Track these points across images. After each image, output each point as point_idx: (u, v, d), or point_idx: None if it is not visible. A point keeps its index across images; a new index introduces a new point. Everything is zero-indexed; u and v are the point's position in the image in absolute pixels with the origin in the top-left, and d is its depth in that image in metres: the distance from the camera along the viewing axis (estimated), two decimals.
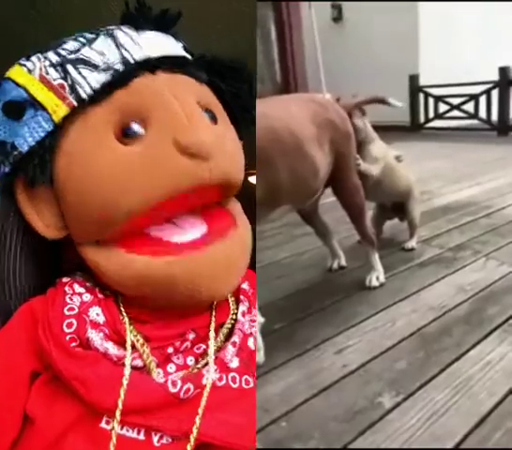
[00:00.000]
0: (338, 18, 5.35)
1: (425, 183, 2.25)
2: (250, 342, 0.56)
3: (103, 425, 0.47)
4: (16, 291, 0.57)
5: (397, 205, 1.41)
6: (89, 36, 0.53)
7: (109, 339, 0.50)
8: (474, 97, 4.17)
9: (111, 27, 0.54)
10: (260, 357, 0.85)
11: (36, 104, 0.49)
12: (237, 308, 0.58)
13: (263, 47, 3.34)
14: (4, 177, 0.53)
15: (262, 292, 1.11)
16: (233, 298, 0.61)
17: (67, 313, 0.51)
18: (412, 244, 1.38)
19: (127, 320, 0.53)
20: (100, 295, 0.55)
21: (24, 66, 0.52)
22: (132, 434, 0.47)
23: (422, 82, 4.55)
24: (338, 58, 4.74)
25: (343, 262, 1.27)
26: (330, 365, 0.84)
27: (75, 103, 0.49)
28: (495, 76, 4.02)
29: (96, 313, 0.52)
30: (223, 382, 0.51)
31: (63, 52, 0.51)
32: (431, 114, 4.55)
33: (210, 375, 0.49)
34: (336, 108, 1.05)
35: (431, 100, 4.52)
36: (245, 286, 0.61)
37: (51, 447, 0.46)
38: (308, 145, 0.92)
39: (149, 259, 0.49)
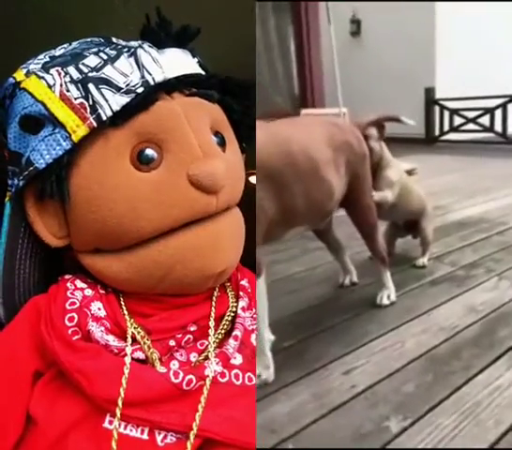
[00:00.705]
0: (356, 32, 5.36)
1: (438, 197, 2.23)
2: (253, 339, 0.56)
3: (106, 424, 0.46)
4: (26, 297, 0.57)
5: (409, 223, 1.39)
6: (111, 52, 0.52)
7: (110, 333, 0.51)
8: (490, 111, 4.12)
9: (132, 44, 0.54)
10: (269, 375, 0.85)
11: (54, 121, 0.49)
12: (237, 303, 0.59)
13: (283, 61, 3.36)
14: (16, 191, 0.53)
15: (272, 307, 1.11)
16: (232, 292, 0.61)
17: (68, 307, 0.51)
18: (423, 261, 1.36)
19: (127, 313, 0.53)
20: (102, 291, 0.55)
21: (43, 79, 0.50)
22: (136, 434, 0.46)
23: (438, 95, 4.52)
24: (356, 72, 4.74)
25: (355, 279, 1.26)
26: (338, 385, 0.83)
27: (95, 124, 0.49)
28: (511, 90, 3.98)
29: (97, 307, 0.53)
30: (226, 378, 0.51)
31: (84, 69, 0.50)
32: (446, 127, 4.51)
33: (212, 365, 0.49)
34: (352, 129, 1.05)
35: (447, 113, 4.48)
36: (244, 283, 0.61)
37: (53, 447, 0.46)
38: (324, 169, 0.92)
39: (147, 253, 0.50)
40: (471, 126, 4.29)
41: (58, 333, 0.49)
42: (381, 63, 4.86)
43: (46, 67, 0.51)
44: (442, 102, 4.49)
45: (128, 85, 0.49)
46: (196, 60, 0.58)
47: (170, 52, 0.54)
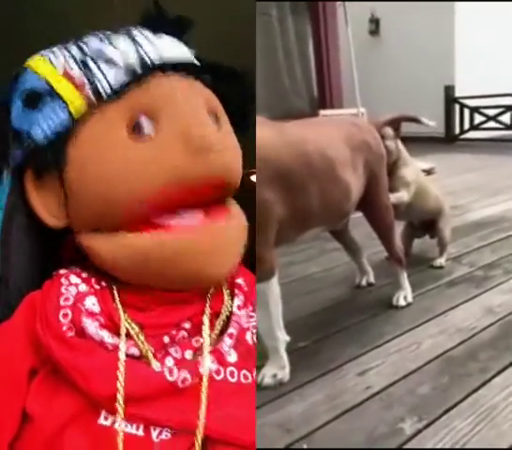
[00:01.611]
0: (375, 31, 5.29)
1: (458, 197, 2.19)
2: (248, 337, 0.55)
3: (102, 420, 0.46)
4: (17, 286, 0.56)
5: (426, 223, 1.37)
6: (109, 34, 0.54)
7: (104, 328, 0.50)
8: (511, 108, 4.01)
9: (129, 27, 0.56)
10: (285, 375, 0.85)
11: (55, 95, 0.50)
12: (232, 301, 0.57)
13: (301, 62, 3.34)
14: (15, 166, 0.53)
15: (288, 308, 1.10)
16: (227, 290, 0.59)
17: (62, 303, 0.50)
18: (441, 261, 1.34)
19: (120, 307, 0.52)
20: (96, 286, 0.54)
21: (47, 56, 0.53)
22: (131, 430, 0.46)
23: (457, 93, 4.43)
24: (375, 71, 4.68)
25: (372, 279, 1.25)
26: (353, 386, 0.82)
27: (93, 99, 0.50)
28: None
29: (91, 303, 0.52)
30: (221, 376, 0.49)
31: (85, 48, 0.52)
32: (466, 126, 4.42)
33: (206, 362, 0.48)
34: (370, 129, 1.03)
35: (467, 112, 4.39)
36: (240, 281, 0.60)
37: (49, 444, 0.45)
38: (340, 168, 0.90)
39: (144, 236, 0.50)
40: (491, 124, 4.19)
41: (53, 330, 0.48)
42: (400, 62, 4.79)
43: (50, 49, 0.54)
44: (461, 100, 4.39)
45: (125, 63, 0.51)
46: (191, 51, 0.59)
47: (165, 37, 0.56)
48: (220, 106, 0.58)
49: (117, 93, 0.50)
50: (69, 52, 0.52)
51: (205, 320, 0.53)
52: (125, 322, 0.51)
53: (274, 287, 0.81)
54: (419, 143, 4.09)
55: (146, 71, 0.51)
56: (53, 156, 0.50)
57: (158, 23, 0.56)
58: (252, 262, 0.73)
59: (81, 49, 0.53)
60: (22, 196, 0.54)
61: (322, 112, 3.00)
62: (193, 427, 0.46)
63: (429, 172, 3.04)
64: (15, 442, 0.47)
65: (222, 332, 0.54)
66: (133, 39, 0.53)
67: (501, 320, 1.01)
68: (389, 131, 1.18)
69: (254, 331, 0.56)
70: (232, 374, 0.50)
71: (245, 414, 0.49)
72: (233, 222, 0.54)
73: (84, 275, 0.55)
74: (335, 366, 0.88)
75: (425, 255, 1.42)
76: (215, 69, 0.59)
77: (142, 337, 0.50)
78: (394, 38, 4.96)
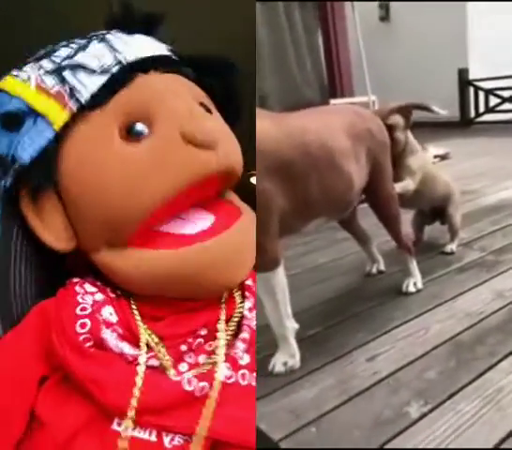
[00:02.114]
0: (385, 17, 5.19)
1: (472, 181, 2.15)
2: None
3: (115, 427, 0.45)
4: (21, 297, 0.54)
5: (436, 209, 1.36)
6: (81, 41, 0.52)
7: (123, 339, 0.49)
8: None
9: (100, 32, 0.54)
10: (295, 362, 0.86)
11: (34, 113, 0.48)
12: (243, 304, 0.57)
13: (310, 51, 3.30)
14: (5, 192, 0.51)
15: (300, 297, 1.12)
16: (238, 292, 0.58)
17: (79, 313, 0.49)
18: (452, 247, 1.33)
19: (139, 318, 0.51)
20: (112, 295, 0.53)
21: (17, 76, 0.51)
22: (144, 435, 0.45)
23: (471, 76, 4.32)
24: (386, 57, 4.60)
25: (382, 267, 1.25)
26: (361, 371, 0.83)
27: (74, 109, 0.48)
28: None
29: (109, 313, 0.50)
30: (233, 379, 0.49)
31: (57, 60, 0.50)
32: (482, 108, 4.31)
33: (221, 370, 0.48)
34: (373, 117, 1.02)
35: (482, 94, 4.28)
36: (249, 282, 0.59)
37: (61, 449, 0.45)
38: (341, 158, 0.89)
39: (160, 252, 0.48)
40: (507, 105, 4.08)
41: (70, 341, 0.47)
42: (411, 47, 4.70)
43: (20, 67, 0.52)
44: (476, 83, 4.29)
45: (102, 67, 0.49)
46: (167, 47, 0.58)
47: (138, 36, 0.55)
48: (207, 96, 0.56)
49: (101, 98, 0.48)
50: (40, 66, 0.50)
51: (221, 327, 0.52)
52: (145, 333, 0.50)
53: (280, 277, 0.82)
54: (434, 128, 4.03)
55: (126, 73, 0.50)
56: (44, 173, 0.48)
57: (127, 23, 0.54)
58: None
59: (52, 60, 0.50)
60: (17, 223, 0.52)
61: (332, 101, 2.97)
62: (205, 432, 0.45)
63: (443, 157, 2.99)
64: (26, 446, 0.46)
65: (235, 335, 0.54)
66: (106, 43, 0.51)
67: (510, 304, 1.00)
68: (399, 120, 1.15)
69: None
70: (243, 377, 0.50)
71: (251, 416, 0.48)
72: (244, 226, 0.53)
73: (99, 283, 0.54)
74: (344, 352, 0.89)
75: (436, 241, 1.41)
76: (196, 62, 0.57)
77: (163, 350, 0.49)
78: (405, 24, 4.86)
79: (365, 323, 0.99)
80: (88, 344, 0.47)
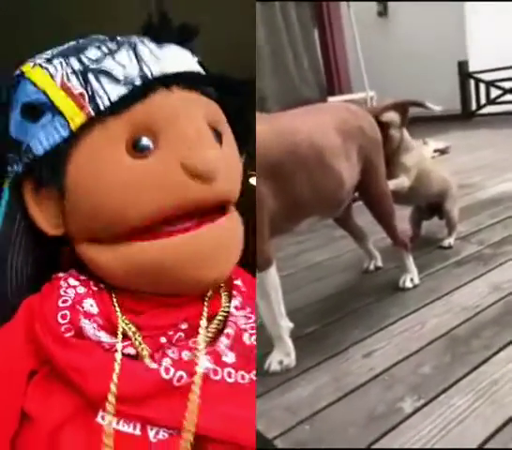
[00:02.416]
0: (383, 12, 5.16)
1: (472, 174, 2.14)
2: (246, 337, 0.55)
3: (99, 419, 0.46)
4: (18, 288, 0.56)
5: (434, 205, 1.35)
6: (111, 46, 0.53)
7: (102, 329, 0.50)
8: None
9: (132, 39, 0.54)
10: (291, 361, 0.87)
11: (54, 109, 0.50)
12: (230, 303, 0.57)
13: (307, 52, 3.29)
14: (15, 176, 0.53)
15: (297, 296, 1.12)
16: (225, 292, 0.59)
17: (61, 305, 0.51)
18: (450, 241, 1.32)
19: (118, 309, 0.52)
20: (94, 288, 0.54)
21: (46, 69, 0.51)
22: (128, 429, 0.46)
23: (471, 68, 4.28)
24: (385, 52, 4.59)
25: (379, 263, 1.25)
26: (357, 368, 0.83)
27: (93, 114, 0.49)
28: None
29: (89, 304, 0.52)
30: (219, 376, 0.49)
31: (85, 61, 0.51)
32: (483, 101, 4.27)
33: (202, 362, 0.48)
34: (365, 114, 1.01)
35: (482, 87, 4.24)
36: (238, 282, 0.60)
37: (47, 442, 0.45)
38: (331, 157, 0.89)
39: (139, 244, 0.50)
40: (508, 97, 4.04)
41: (51, 330, 0.49)
42: (410, 41, 4.67)
43: (49, 59, 0.52)
44: (476, 75, 4.25)
45: (126, 77, 0.50)
46: (196, 60, 0.58)
47: (169, 48, 0.55)
48: (224, 119, 0.57)
49: (118, 107, 0.49)
50: (68, 63, 0.51)
51: (203, 323, 0.53)
52: (122, 323, 0.51)
53: (272, 276, 0.83)
54: (436, 122, 4.00)
55: (148, 87, 0.50)
56: (53, 169, 0.50)
57: (163, 33, 0.54)
58: (252, 261, 0.73)
59: (80, 60, 0.51)
60: (21, 205, 0.55)
61: (330, 98, 2.96)
62: (188, 426, 0.46)
63: (443, 151, 2.97)
64: (15, 441, 0.47)
65: (219, 332, 0.54)
66: (135, 53, 0.52)
67: (507, 296, 1.00)
68: (394, 117, 1.15)
69: (253, 332, 0.55)
70: (229, 375, 0.50)
71: (242, 414, 0.49)
72: (227, 224, 0.54)
73: (82, 277, 0.56)
74: (341, 349, 0.89)
75: (434, 236, 1.40)
76: (218, 81, 0.58)
77: (139, 338, 0.51)
78: (402, 18, 4.83)
79: (362, 320, 0.99)
80: (69, 334, 0.49)
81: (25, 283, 0.57)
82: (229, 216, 0.55)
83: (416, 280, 1.12)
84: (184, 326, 0.53)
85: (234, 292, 0.58)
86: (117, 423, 0.46)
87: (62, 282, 0.54)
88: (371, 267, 1.24)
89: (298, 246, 1.47)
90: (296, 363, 0.86)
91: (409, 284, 1.11)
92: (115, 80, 0.50)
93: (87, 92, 0.49)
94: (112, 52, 0.51)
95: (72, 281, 0.55)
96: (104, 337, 0.49)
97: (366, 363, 0.85)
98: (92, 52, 0.51)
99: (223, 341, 0.52)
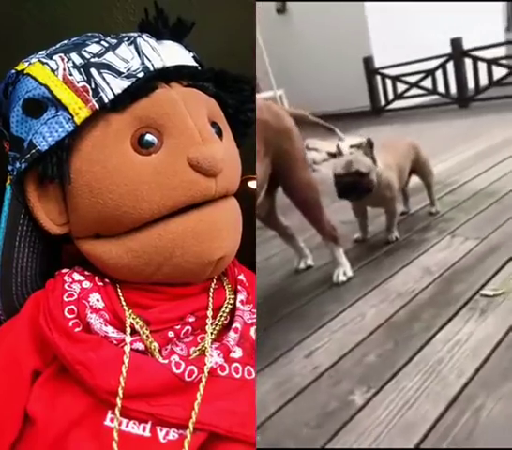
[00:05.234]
0: (281, 10, 5.41)
1: None
2: (252, 332, 0.59)
3: (107, 422, 0.47)
4: (23, 289, 0.59)
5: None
6: (112, 40, 0.56)
7: (109, 324, 0.53)
8: (431, 73, 4.24)
9: (132, 34, 0.58)
10: None
11: (57, 104, 0.52)
12: (234, 296, 0.61)
13: None
14: (17, 174, 0.55)
15: None
16: (229, 285, 0.63)
17: (66, 300, 0.53)
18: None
19: (125, 304, 0.55)
20: (100, 283, 0.58)
21: (46, 64, 0.54)
22: (138, 431, 0.47)
23: (377, 64, 4.61)
24: (289, 50, 4.80)
25: (310, 262, 1.29)
26: (301, 369, 0.85)
27: (97, 107, 0.52)
28: (449, 49, 4.10)
29: (96, 299, 0.55)
30: (226, 372, 0.52)
31: (86, 55, 0.53)
32: (391, 96, 4.61)
33: (211, 356, 0.51)
34: (268, 106, 1.05)
35: (389, 82, 4.59)
36: (242, 277, 0.64)
37: (53, 446, 0.46)
38: None
39: (145, 230, 0.53)
40: (415, 91, 4.40)
41: (58, 325, 0.51)
42: (313, 39, 4.92)
43: (49, 55, 0.55)
44: (382, 71, 4.59)
45: (128, 70, 0.53)
46: (192, 55, 0.63)
47: (167, 44, 0.59)
48: (222, 114, 0.61)
49: (121, 103, 0.52)
50: (69, 58, 0.54)
51: (209, 313, 0.57)
52: (129, 317, 0.54)
53: None
54: (347, 119, 4.25)
55: (150, 80, 0.54)
56: (57, 166, 0.52)
57: (160, 28, 0.59)
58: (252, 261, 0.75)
59: (81, 55, 0.54)
60: (24, 202, 0.57)
61: None
62: (197, 423, 0.47)
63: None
64: (17, 446, 0.48)
65: (226, 327, 0.58)
66: (136, 47, 0.55)
67: (438, 278, 1.08)
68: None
69: (255, 327, 0.60)
70: (236, 370, 0.53)
71: (248, 410, 0.51)
72: (230, 205, 0.58)
73: (87, 272, 0.59)
74: (281, 353, 0.91)
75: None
76: (218, 77, 0.62)
77: (147, 332, 0.53)
78: (302, 15, 5.08)
79: (299, 321, 1.01)
80: (77, 329, 0.51)
81: (30, 280, 0.60)
82: (228, 198, 0.59)
83: (349, 273, 1.17)
84: (191, 319, 0.56)
85: (239, 287, 0.62)
86: (127, 425, 0.47)
87: (66, 277, 0.57)
88: (302, 266, 1.28)
89: None
90: None
91: (343, 277, 1.16)
92: (118, 72, 0.53)
93: (90, 85, 0.52)
94: (112, 47, 0.55)
95: (77, 276, 0.58)
96: (111, 332, 0.51)
97: (309, 362, 0.87)
98: (92, 47, 0.55)
99: (231, 336, 0.55)
